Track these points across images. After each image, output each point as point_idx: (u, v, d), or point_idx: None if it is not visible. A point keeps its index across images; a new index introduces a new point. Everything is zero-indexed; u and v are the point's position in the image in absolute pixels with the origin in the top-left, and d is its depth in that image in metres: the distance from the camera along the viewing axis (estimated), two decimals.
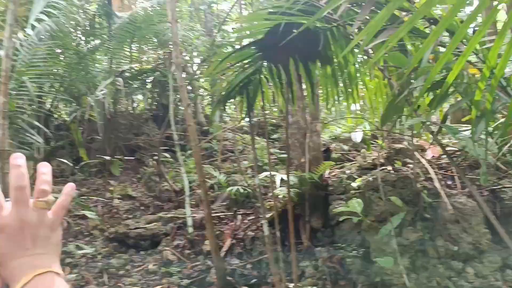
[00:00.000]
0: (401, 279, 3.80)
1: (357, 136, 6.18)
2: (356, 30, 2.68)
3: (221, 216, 5.86)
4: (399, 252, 3.87)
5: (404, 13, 2.34)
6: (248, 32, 3.55)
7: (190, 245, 5.46)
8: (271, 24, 3.23)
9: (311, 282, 4.37)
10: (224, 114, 9.49)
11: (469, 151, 1.95)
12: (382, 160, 4.74)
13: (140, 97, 9.44)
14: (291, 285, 4.35)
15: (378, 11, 2.27)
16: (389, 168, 4.55)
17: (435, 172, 4.17)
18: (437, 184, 3.93)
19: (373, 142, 6.74)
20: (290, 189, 4.84)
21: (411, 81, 2.35)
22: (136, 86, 8.24)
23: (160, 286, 4.54)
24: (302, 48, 3.51)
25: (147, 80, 8.57)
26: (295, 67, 3.66)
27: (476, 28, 2.12)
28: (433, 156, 5.26)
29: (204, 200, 4.42)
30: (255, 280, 4.54)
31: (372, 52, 3.23)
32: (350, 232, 4.33)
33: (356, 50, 3.45)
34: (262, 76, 3.89)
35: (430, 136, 6.10)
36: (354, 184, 4.26)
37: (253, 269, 4.73)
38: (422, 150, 5.80)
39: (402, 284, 3.77)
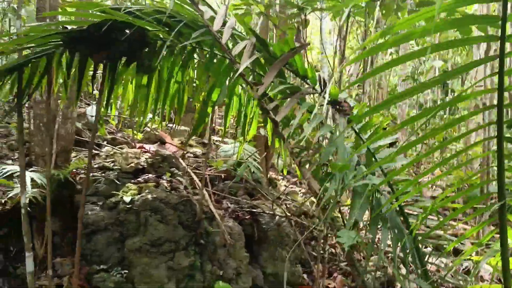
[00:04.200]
0: None
1: (93, 114, 5.49)
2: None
3: None
4: (167, 277, 3.69)
5: None
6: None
7: None
8: (104, 18, 2.47)
9: None
10: None
11: None
12: (144, 165, 4.36)
13: None
14: None
15: None
16: (152, 176, 4.23)
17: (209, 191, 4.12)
18: (212, 207, 3.89)
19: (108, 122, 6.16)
20: (35, 189, 3.91)
21: None
22: None
23: None
24: (123, 49, 2.83)
25: None
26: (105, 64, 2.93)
27: None
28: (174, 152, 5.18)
29: None
30: None
31: None
32: (107, 248, 3.83)
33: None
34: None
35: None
36: (126, 198, 3.76)
37: None
38: (162, 142, 5.67)
39: None
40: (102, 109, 5.56)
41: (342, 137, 2.04)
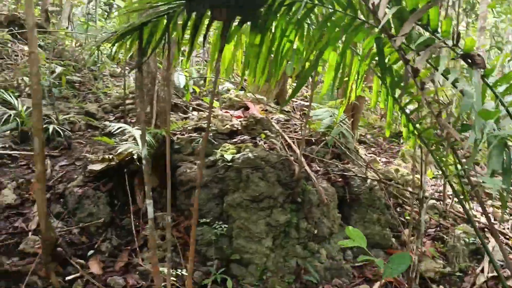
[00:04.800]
0: (262, 259, 3.80)
1: (181, 80, 5.70)
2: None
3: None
4: (265, 232, 3.85)
5: None
6: None
7: None
8: None
9: (158, 254, 3.93)
10: None
11: None
12: (239, 127, 4.51)
13: None
14: (137, 259, 3.85)
15: None
16: (247, 137, 4.38)
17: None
18: (307, 168, 3.99)
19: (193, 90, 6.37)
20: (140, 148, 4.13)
21: None
22: None
23: None
24: (240, 7, 2.94)
25: None
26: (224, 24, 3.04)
27: None
28: None
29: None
30: (92, 251, 3.79)
31: None
32: (206, 203, 4.02)
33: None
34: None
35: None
36: (227, 156, 3.92)
37: (82, 236, 3.92)
38: (246, 108, 5.80)
39: (263, 264, 3.79)
40: (196, 73, 5.74)
41: (479, 90, 2.05)
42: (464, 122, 2.28)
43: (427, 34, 2.40)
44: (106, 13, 9.02)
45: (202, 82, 7.57)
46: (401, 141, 7.01)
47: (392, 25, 2.48)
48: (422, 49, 2.21)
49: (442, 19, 2.22)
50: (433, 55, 2.42)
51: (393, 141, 7.20)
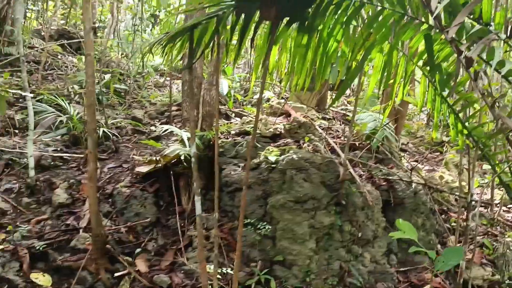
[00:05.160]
0: (306, 261, 3.80)
1: (224, 87, 5.80)
2: None
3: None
4: (309, 234, 3.85)
5: None
6: None
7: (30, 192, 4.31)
8: None
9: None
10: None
11: None
12: (282, 131, 4.56)
13: None
14: (182, 258, 3.91)
15: None
16: (290, 140, 4.42)
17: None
18: (352, 171, 3.99)
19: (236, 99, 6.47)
20: (186, 149, 4.24)
21: None
22: None
23: None
24: (289, 8, 2.99)
25: None
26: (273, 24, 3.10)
27: None
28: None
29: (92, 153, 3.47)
30: (139, 249, 3.89)
31: None
32: (250, 205, 4.06)
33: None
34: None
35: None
36: (271, 158, 3.96)
37: (129, 235, 4.03)
38: (287, 114, 5.84)
39: (306, 265, 3.78)
40: (238, 80, 5.84)
41: None
42: None
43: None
44: (152, 24, 9.34)
45: (242, 92, 7.70)
46: (444, 149, 6.89)
47: (443, 19, 2.49)
48: (475, 40, 2.21)
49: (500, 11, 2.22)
50: (486, 48, 2.41)
51: (435, 150, 7.09)
